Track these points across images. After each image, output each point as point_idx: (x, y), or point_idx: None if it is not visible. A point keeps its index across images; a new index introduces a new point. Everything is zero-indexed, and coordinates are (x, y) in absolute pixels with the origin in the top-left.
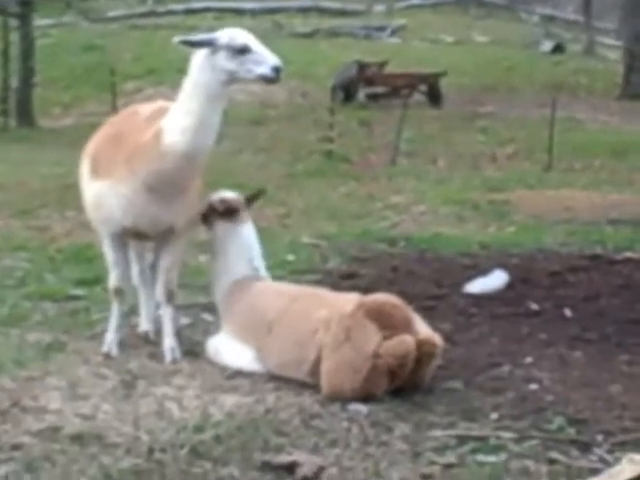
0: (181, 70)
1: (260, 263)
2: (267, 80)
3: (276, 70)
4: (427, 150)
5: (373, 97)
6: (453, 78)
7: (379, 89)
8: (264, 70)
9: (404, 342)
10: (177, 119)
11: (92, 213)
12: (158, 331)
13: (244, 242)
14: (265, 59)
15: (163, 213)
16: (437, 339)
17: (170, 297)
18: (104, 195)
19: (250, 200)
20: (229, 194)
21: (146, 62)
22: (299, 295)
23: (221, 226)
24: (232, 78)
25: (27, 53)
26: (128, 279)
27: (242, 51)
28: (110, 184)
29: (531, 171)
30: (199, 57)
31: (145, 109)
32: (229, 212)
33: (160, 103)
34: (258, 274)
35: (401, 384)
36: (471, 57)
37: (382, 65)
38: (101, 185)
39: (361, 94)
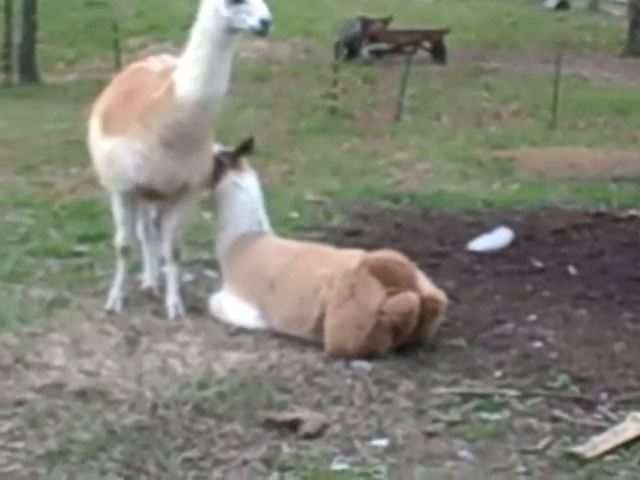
0: (185, 26)
1: (263, 216)
2: (255, 32)
3: (263, 23)
4: (431, 106)
5: (377, 54)
6: (457, 34)
7: (383, 46)
8: (252, 22)
9: (408, 299)
10: (187, 69)
11: (104, 171)
12: (162, 287)
13: (249, 193)
14: (255, 10)
15: (179, 169)
16: (441, 296)
17: (176, 255)
18: (117, 152)
19: (242, 151)
20: (224, 147)
21: (149, 18)
22: (302, 252)
23: (228, 178)
24: (231, 26)
25: (29, 8)
26: (135, 237)
27: (237, 0)
28: (124, 141)
29: (535, 128)
30: (206, 4)
31: (152, 65)
32: (235, 163)
33: (165, 58)
34: (261, 228)
35: (405, 341)
36: (475, 13)
37: (386, 22)
38: (114, 142)
39: (365, 51)
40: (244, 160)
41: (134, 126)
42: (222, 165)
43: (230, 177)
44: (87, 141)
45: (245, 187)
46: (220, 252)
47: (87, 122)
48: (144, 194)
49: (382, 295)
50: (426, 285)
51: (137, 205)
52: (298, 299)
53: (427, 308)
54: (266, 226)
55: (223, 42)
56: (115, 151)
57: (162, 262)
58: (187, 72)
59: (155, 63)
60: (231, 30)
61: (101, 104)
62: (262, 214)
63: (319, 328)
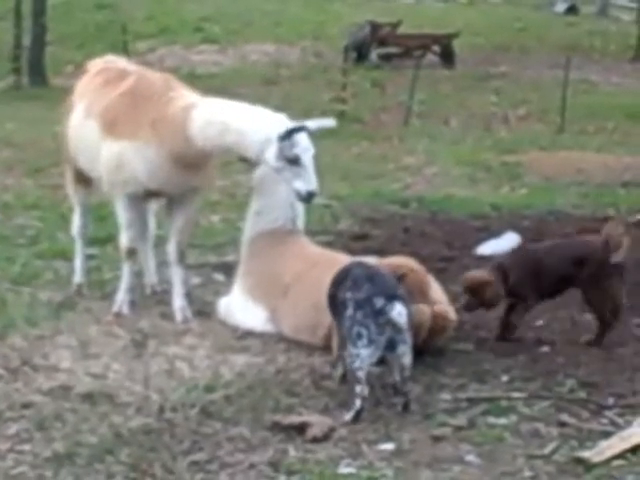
0: (194, 29)
1: (300, 211)
2: (297, 197)
3: (310, 195)
4: (440, 111)
5: (386, 57)
6: (466, 38)
7: (392, 49)
8: (300, 187)
9: (419, 312)
10: (208, 117)
11: (110, 174)
12: (167, 291)
13: None
14: (307, 178)
15: (190, 178)
16: (451, 313)
17: (181, 257)
18: (128, 156)
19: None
20: None
21: (159, 21)
22: (318, 260)
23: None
24: (275, 171)
25: (39, 11)
26: (141, 239)
27: (292, 161)
28: (134, 146)
29: (544, 133)
30: (253, 130)
31: (130, 67)
32: None
33: (111, 58)
34: (294, 226)
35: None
36: (484, 17)
37: (395, 25)
38: (123, 146)
39: (374, 55)
40: None
41: (146, 133)
42: None
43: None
44: (74, 143)
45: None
46: (244, 242)
47: (67, 125)
48: (151, 195)
49: None
50: (438, 296)
51: (143, 207)
52: (311, 306)
53: (436, 324)
54: (300, 222)
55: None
56: (125, 155)
57: (168, 266)
58: (205, 121)
59: (128, 66)
60: (271, 169)
61: (94, 105)
62: (300, 208)
63: (331, 336)
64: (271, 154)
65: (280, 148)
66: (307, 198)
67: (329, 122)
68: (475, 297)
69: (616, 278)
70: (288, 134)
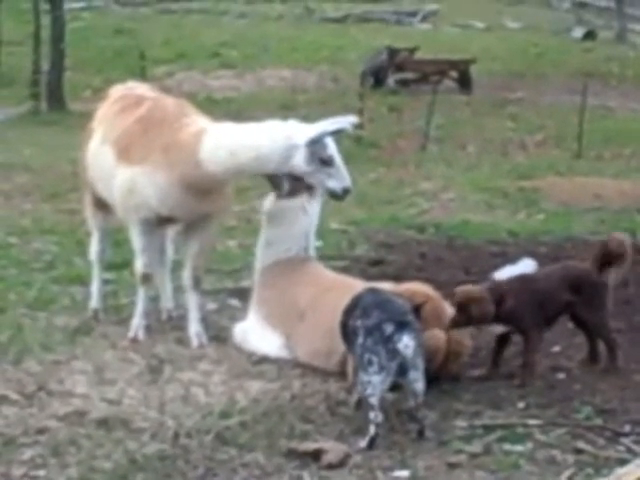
0: (212, 54)
1: (313, 240)
2: (332, 195)
3: (345, 191)
4: (456, 136)
5: (403, 83)
6: (483, 64)
7: (409, 75)
8: (335, 186)
9: (434, 337)
10: (219, 142)
11: (123, 199)
12: (183, 316)
13: (311, 218)
14: (341, 176)
15: (201, 204)
16: (466, 339)
17: (197, 283)
18: (138, 182)
19: None
20: None
21: (176, 46)
22: (332, 285)
23: (298, 200)
24: (303, 177)
25: (58, 36)
26: (156, 265)
27: (326, 162)
28: (145, 171)
29: (561, 159)
30: (272, 140)
31: (148, 93)
32: (311, 187)
33: (132, 85)
34: (307, 254)
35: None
36: (502, 43)
37: (412, 51)
38: (135, 171)
39: (391, 80)
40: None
41: (157, 158)
42: (298, 183)
43: (301, 199)
44: (92, 169)
45: (310, 213)
46: (257, 269)
47: (86, 151)
48: (164, 221)
49: None
50: None
51: (156, 232)
52: (326, 332)
53: (451, 350)
54: (312, 250)
55: (268, 169)
56: (136, 181)
57: (184, 290)
58: (216, 145)
59: (145, 91)
60: (299, 175)
61: (110, 132)
62: (312, 238)
63: (346, 362)
64: (300, 159)
65: (311, 151)
66: (343, 195)
67: (351, 119)
68: (464, 313)
69: (608, 296)
70: (320, 137)
